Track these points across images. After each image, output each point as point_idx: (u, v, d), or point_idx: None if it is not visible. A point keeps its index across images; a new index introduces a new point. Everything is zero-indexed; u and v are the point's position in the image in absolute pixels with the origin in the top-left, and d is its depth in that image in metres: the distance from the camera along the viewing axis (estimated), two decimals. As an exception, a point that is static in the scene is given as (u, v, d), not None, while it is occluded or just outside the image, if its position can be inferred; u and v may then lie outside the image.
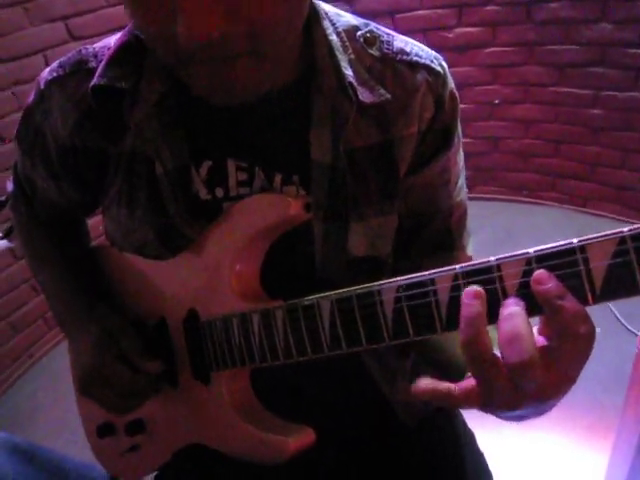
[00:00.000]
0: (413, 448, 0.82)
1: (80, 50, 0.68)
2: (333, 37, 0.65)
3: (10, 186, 0.86)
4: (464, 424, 0.90)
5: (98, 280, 0.83)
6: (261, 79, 0.56)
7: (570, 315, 0.44)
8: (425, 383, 0.50)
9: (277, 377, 0.71)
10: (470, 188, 0.80)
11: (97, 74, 0.64)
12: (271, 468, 0.67)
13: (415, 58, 0.68)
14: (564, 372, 0.45)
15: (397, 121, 0.67)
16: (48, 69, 0.70)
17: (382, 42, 0.68)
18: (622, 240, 0.44)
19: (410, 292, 0.53)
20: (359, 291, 0.56)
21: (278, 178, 0.68)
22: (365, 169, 0.68)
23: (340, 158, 0.66)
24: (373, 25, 0.69)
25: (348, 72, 0.65)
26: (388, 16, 2.67)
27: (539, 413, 0.50)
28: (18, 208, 0.86)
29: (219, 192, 0.69)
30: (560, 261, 0.46)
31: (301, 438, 0.67)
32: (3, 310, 2.14)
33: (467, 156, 0.78)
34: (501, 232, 2.60)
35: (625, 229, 0.44)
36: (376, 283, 0.55)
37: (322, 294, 0.59)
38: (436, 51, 0.71)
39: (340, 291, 0.58)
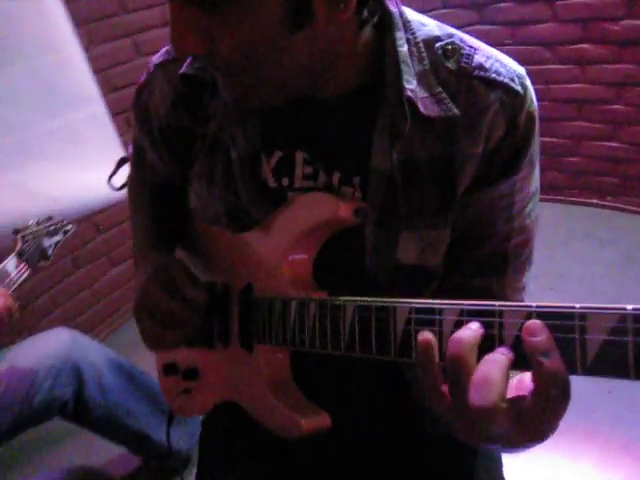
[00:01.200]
0: (431, 453, 0.84)
1: None
2: (403, 48, 0.66)
3: (130, 148, 0.98)
4: None
5: (184, 239, 0.93)
6: (269, 93, 0.65)
7: (547, 374, 0.45)
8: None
9: (320, 361, 0.76)
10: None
11: (187, 63, 0.71)
12: (292, 443, 0.73)
13: (493, 75, 0.67)
14: (531, 427, 0.46)
15: (462, 138, 0.67)
16: (158, 54, 0.79)
17: (462, 55, 0.67)
18: (623, 318, 0.43)
19: (419, 316, 0.55)
20: (379, 304, 0.59)
21: (336, 177, 0.72)
22: (423, 181, 0.69)
23: (395, 168, 0.68)
24: (458, 37, 0.69)
25: (410, 86, 0.65)
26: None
27: (516, 451, 0.51)
28: (132, 167, 0.99)
29: (285, 181, 0.75)
30: (558, 322, 0.47)
31: (316, 422, 0.72)
32: (87, 279, 2.42)
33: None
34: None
35: (629, 306, 0.44)
36: (395, 300, 0.58)
37: (351, 298, 0.63)
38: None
39: (366, 299, 0.61)
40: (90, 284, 2.43)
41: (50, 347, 1.39)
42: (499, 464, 0.89)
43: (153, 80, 0.80)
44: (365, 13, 0.62)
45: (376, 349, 0.60)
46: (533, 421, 0.46)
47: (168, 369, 0.95)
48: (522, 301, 0.79)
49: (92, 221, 2.30)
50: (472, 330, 0.50)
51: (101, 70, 2.02)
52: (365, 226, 0.71)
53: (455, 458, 0.85)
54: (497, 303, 0.51)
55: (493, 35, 2.55)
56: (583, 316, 0.45)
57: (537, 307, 0.48)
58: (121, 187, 1.16)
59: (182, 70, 0.72)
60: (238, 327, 0.80)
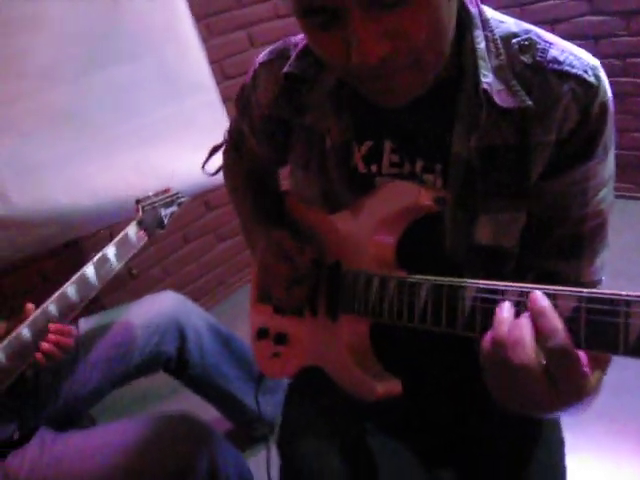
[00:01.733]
0: (493, 430, 0.89)
1: (286, 40, 0.84)
2: (481, 45, 0.71)
3: (225, 135, 1.09)
4: (558, 430, 0.93)
5: (280, 216, 1.03)
6: (419, 85, 0.68)
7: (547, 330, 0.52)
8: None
9: (396, 335, 0.83)
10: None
11: (289, 63, 0.80)
12: (368, 405, 0.81)
13: (566, 68, 0.70)
14: (559, 387, 0.53)
15: (536, 128, 0.71)
16: (262, 54, 0.88)
17: (537, 49, 0.71)
18: None
19: (483, 295, 0.61)
20: (450, 283, 0.66)
21: (420, 165, 0.79)
22: (499, 167, 0.74)
23: (473, 155, 0.73)
24: (534, 33, 0.73)
25: (486, 79, 0.70)
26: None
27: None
28: (228, 152, 1.11)
29: (373, 168, 0.82)
30: (606, 307, 0.51)
31: (389, 388, 0.79)
32: (195, 254, 2.61)
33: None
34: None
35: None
36: (464, 280, 0.64)
37: (426, 277, 0.70)
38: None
39: (438, 278, 0.68)
40: (197, 258, 2.62)
41: (159, 307, 1.55)
42: (561, 450, 0.92)
43: (258, 77, 0.90)
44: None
45: (445, 323, 0.66)
46: (559, 380, 0.52)
47: (260, 334, 1.05)
48: (600, 281, 0.82)
49: (202, 199, 2.50)
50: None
51: (217, 60, 2.18)
52: (445, 210, 0.77)
53: (517, 437, 0.89)
54: (552, 287, 0.56)
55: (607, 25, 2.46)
56: (628, 303, 0.50)
57: (588, 293, 0.53)
58: (215, 172, 1.27)
59: (285, 69, 0.81)
60: (326, 298, 0.89)
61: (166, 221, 1.47)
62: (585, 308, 0.53)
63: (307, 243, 0.90)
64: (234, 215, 1.13)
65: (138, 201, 1.43)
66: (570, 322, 0.53)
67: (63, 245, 2.05)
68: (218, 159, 1.19)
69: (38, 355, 1.11)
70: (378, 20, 0.59)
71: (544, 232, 0.78)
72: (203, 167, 1.19)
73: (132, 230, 1.37)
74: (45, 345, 1.11)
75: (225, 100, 1.97)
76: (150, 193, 1.46)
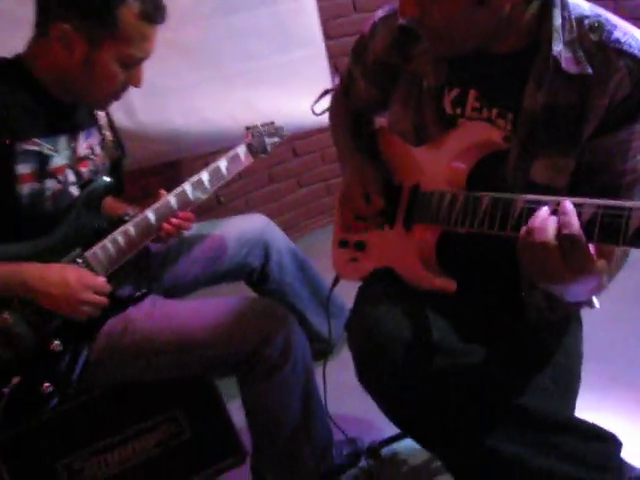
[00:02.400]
0: (527, 337, 1.09)
1: None
2: (557, 22, 0.90)
3: (336, 80, 1.33)
4: (579, 340, 1.14)
5: (370, 152, 1.25)
6: (453, 47, 0.95)
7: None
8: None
9: (459, 247, 1.05)
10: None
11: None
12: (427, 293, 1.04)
13: (625, 47, 0.88)
14: (569, 262, 0.74)
15: (593, 92, 0.90)
16: (381, 10, 1.10)
17: (604, 30, 0.89)
18: None
19: (529, 205, 0.83)
20: (505, 196, 0.87)
21: (495, 112, 0.99)
22: (559, 121, 0.93)
23: (539, 109, 0.93)
24: (604, 17, 0.91)
25: (557, 49, 0.89)
26: None
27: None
28: (336, 95, 1.35)
29: (458, 110, 1.03)
30: (614, 212, 0.72)
31: (445, 284, 1.02)
32: (277, 194, 2.91)
33: None
34: None
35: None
36: (516, 194, 0.86)
37: (487, 192, 0.91)
38: None
39: (498, 194, 0.89)
40: (278, 198, 2.89)
41: (251, 226, 1.79)
42: (578, 359, 1.13)
43: (376, 28, 1.13)
44: None
45: (498, 225, 0.88)
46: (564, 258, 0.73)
47: (341, 243, 1.29)
48: None
49: (290, 145, 2.76)
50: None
51: (324, 20, 2.39)
52: (510, 151, 0.97)
53: (548, 329, 1.10)
54: (579, 198, 0.77)
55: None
56: (630, 208, 0.70)
57: (604, 202, 0.74)
58: (321, 113, 1.49)
59: (399, 22, 1.02)
60: (404, 212, 1.11)
61: (269, 148, 1.71)
62: (601, 213, 0.73)
63: (394, 172, 1.14)
64: (316, 164, 1.37)
65: (248, 128, 1.67)
66: (589, 223, 0.74)
67: (165, 165, 2.36)
68: (324, 103, 1.42)
69: (161, 232, 1.38)
70: None
71: (589, 178, 0.96)
72: (312, 107, 1.43)
73: (242, 150, 1.61)
74: (169, 224, 1.39)
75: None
76: (258, 123, 1.70)
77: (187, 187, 1.46)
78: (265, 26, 1.98)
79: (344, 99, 1.33)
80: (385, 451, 1.67)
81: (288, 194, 2.92)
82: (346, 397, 1.39)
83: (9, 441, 1.37)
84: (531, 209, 0.83)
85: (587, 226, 0.74)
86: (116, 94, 1.31)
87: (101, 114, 1.45)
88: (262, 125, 1.70)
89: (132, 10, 1.17)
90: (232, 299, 1.46)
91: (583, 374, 1.66)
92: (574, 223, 0.73)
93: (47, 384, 1.24)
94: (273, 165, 2.79)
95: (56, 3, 1.18)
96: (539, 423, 0.93)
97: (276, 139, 1.74)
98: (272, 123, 1.74)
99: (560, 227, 0.75)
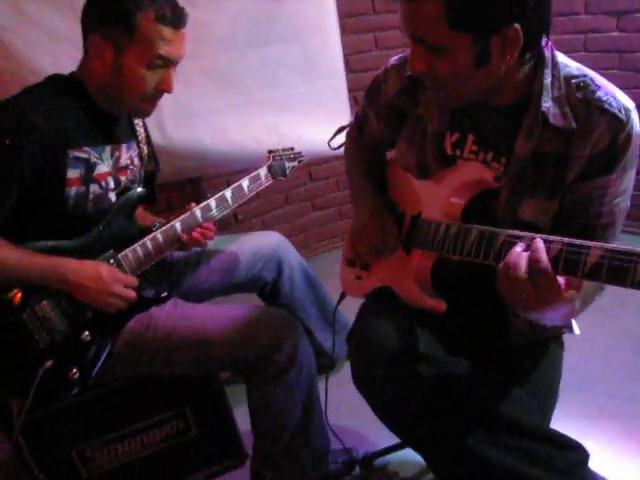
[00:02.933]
0: (509, 355, 1.21)
1: None
2: (547, 80, 1.03)
3: (351, 119, 1.48)
4: (559, 360, 1.26)
5: (380, 184, 1.39)
6: (458, 99, 1.08)
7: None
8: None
9: (452, 273, 1.18)
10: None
11: None
12: (419, 312, 1.16)
13: (606, 106, 1.00)
14: (540, 292, 0.86)
15: (576, 143, 1.03)
16: (394, 57, 1.24)
17: (588, 90, 1.02)
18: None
19: (509, 239, 0.96)
20: (491, 230, 1.00)
21: (490, 155, 1.12)
22: (545, 166, 1.06)
23: (529, 155, 1.06)
24: (589, 77, 1.03)
25: (545, 104, 1.02)
26: None
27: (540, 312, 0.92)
28: (351, 133, 1.49)
29: (457, 152, 1.16)
30: (574, 249, 0.85)
31: (436, 304, 1.15)
32: (292, 215, 3.06)
33: None
34: None
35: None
36: (500, 229, 0.98)
37: (477, 226, 1.04)
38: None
39: (485, 227, 1.02)
40: (292, 219, 3.05)
41: (266, 241, 1.92)
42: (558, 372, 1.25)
43: (388, 74, 1.27)
44: (527, 56, 1.01)
45: (482, 255, 1.01)
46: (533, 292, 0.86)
47: (349, 262, 1.43)
48: None
49: (307, 170, 2.91)
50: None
51: (346, 55, 2.55)
52: (502, 191, 1.10)
53: (529, 349, 1.22)
54: (549, 236, 0.89)
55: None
56: (589, 247, 0.83)
57: (568, 240, 0.86)
58: (337, 148, 1.62)
59: (409, 73, 1.15)
60: (406, 237, 1.24)
61: (288, 172, 1.86)
62: (565, 250, 0.86)
63: (399, 202, 1.27)
64: (330, 189, 1.50)
65: (270, 151, 1.83)
66: (555, 257, 0.87)
67: (189, 180, 2.51)
68: (340, 138, 1.57)
69: (186, 238, 1.52)
70: (422, 51, 0.99)
71: (569, 219, 1.09)
72: (329, 142, 1.57)
73: (263, 171, 1.77)
74: (195, 233, 1.53)
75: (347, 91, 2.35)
76: (279, 147, 1.85)
77: (212, 202, 1.61)
78: (293, 58, 2.15)
79: (358, 135, 1.46)
80: (378, 462, 1.77)
81: (302, 216, 3.07)
82: (345, 410, 1.47)
83: (32, 425, 1.49)
84: (511, 242, 0.95)
85: (554, 260, 0.86)
86: (149, 99, 1.43)
87: (140, 130, 1.61)
88: (283, 150, 1.86)
89: (149, 15, 1.31)
90: (247, 306, 1.59)
91: (572, 404, 1.79)
92: (543, 259, 0.86)
93: (74, 370, 1.37)
94: (290, 188, 2.95)
95: (87, 18, 1.34)
96: (516, 430, 1.04)
97: (295, 163, 1.89)
98: (292, 148, 1.89)
99: (531, 262, 0.87)
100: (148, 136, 1.68)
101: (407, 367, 1.07)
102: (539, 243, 0.88)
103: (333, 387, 1.53)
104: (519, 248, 0.91)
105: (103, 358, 1.42)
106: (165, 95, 1.47)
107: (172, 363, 1.49)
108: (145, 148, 1.63)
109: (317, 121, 1.75)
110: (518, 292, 0.89)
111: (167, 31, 1.34)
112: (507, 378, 1.14)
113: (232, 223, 2.79)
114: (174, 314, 1.51)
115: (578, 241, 0.85)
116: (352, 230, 1.39)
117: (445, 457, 1.08)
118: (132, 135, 1.58)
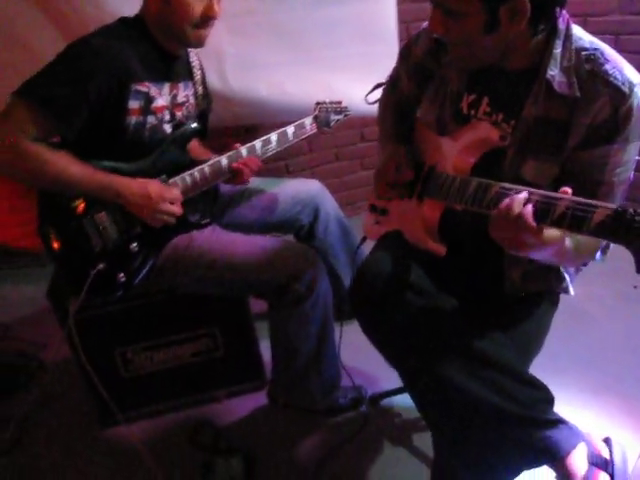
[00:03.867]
0: (500, 303, 1.32)
1: None
2: (557, 50, 1.11)
3: (387, 76, 1.59)
4: (548, 316, 1.37)
5: (407, 138, 1.50)
6: (471, 62, 1.18)
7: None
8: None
9: (457, 223, 1.30)
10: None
11: None
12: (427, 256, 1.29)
13: (611, 79, 1.07)
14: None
15: (578, 111, 1.10)
16: (425, 23, 1.34)
17: (596, 63, 1.09)
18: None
19: (503, 190, 1.07)
20: (488, 181, 1.12)
21: (501, 116, 1.22)
22: (548, 130, 1.15)
23: (534, 119, 1.15)
24: (600, 51, 1.10)
25: (552, 72, 1.11)
26: None
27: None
28: (387, 88, 1.61)
29: (472, 112, 1.27)
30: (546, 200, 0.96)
31: (437, 247, 1.28)
32: (340, 171, 3.19)
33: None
34: None
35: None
36: (497, 182, 1.10)
37: (478, 178, 1.16)
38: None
39: (485, 180, 1.14)
40: (340, 175, 3.19)
41: (308, 187, 2.07)
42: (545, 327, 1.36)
43: (420, 36, 1.38)
44: (541, 27, 1.10)
45: (478, 204, 1.13)
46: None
47: (372, 208, 1.56)
48: None
49: (360, 130, 3.06)
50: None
51: (405, 21, 2.63)
52: (508, 150, 1.20)
53: (520, 301, 1.33)
54: (529, 189, 1.00)
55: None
56: (557, 198, 0.94)
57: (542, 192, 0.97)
58: (373, 102, 1.74)
59: (435, 35, 1.26)
60: (421, 186, 1.37)
61: (332, 124, 2.01)
62: (540, 201, 0.97)
63: (420, 154, 1.40)
64: None
65: (318, 103, 1.97)
66: (534, 206, 0.97)
67: (245, 129, 2.68)
68: (377, 94, 1.69)
69: (235, 165, 1.71)
70: (440, 14, 1.10)
71: (570, 186, 1.12)
72: (366, 97, 1.70)
73: (308, 120, 1.92)
74: (238, 164, 1.71)
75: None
76: (327, 100, 2.00)
77: (257, 143, 1.78)
78: (350, 21, 2.26)
79: (391, 92, 1.58)
80: (384, 402, 1.92)
81: (350, 173, 3.20)
82: (360, 353, 1.56)
83: (84, 322, 1.70)
84: (502, 194, 1.07)
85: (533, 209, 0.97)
86: (200, 25, 1.57)
87: (197, 72, 1.78)
88: (330, 102, 2.00)
89: None
90: (276, 239, 1.78)
91: (580, 377, 1.95)
92: (516, 208, 0.98)
93: (121, 275, 1.58)
94: (341, 145, 3.08)
95: None
96: (485, 362, 1.16)
97: (340, 117, 2.03)
98: (339, 102, 2.03)
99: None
100: (204, 78, 1.85)
101: (398, 294, 1.21)
102: (522, 194, 0.99)
103: (351, 332, 1.59)
104: (508, 199, 1.01)
105: (147, 268, 1.63)
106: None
107: (204, 281, 1.68)
108: (200, 88, 1.79)
109: (368, 82, 1.84)
110: (507, 234, 1.00)
111: None
112: (492, 321, 1.26)
113: (283, 174, 2.96)
114: (211, 238, 1.69)
115: (554, 194, 0.96)
116: (375, 171, 1.50)
117: (425, 385, 1.21)
118: (189, 75, 1.76)
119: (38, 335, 2.40)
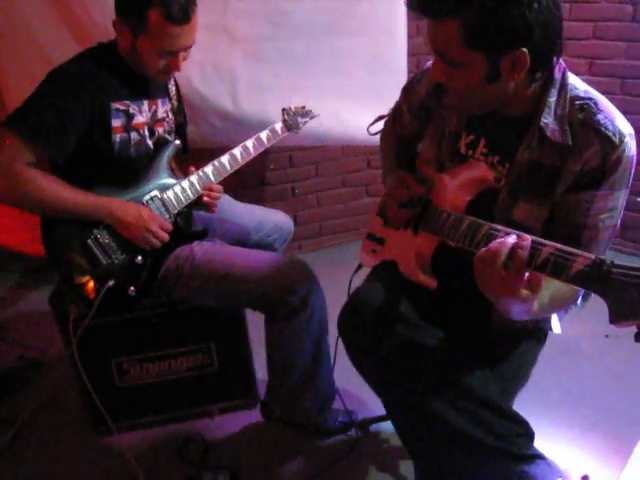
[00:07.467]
0: (486, 339, 1.35)
1: None
2: (552, 99, 1.16)
3: (390, 110, 1.65)
4: (533, 353, 1.39)
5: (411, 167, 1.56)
6: (471, 108, 1.24)
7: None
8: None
9: (450, 259, 1.34)
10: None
11: None
12: (418, 289, 1.33)
13: (602, 129, 1.11)
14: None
15: (569, 159, 1.14)
16: (430, 61, 1.38)
17: (589, 112, 1.13)
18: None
19: (492, 231, 1.11)
20: (479, 222, 1.16)
21: (496, 159, 1.27)
22: (540, 175, 1.19)
23: (527, 163, 1.19)
24: (594, 101, 1.14)
25: (545, 120, 1.16)
26: None
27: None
28: (389, 121, 1.66)
29: (470, 152, 1.32)
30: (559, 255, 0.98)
31: (428, 281, 1.32)
32: (345, 196, 3.23)
33: None
34: None
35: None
36: (486, 222, 1.14)
37: (470, 217, 1.20)
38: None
39: (476, 219, 1.17)
40: (346, 201, 3.24)
41: (279, 218, 2.16)
42: (530, 363, 1.39)
43: (423, 75, 1.43)
44: (537, 76, 1.14)
45: (469, 241, 1.16)
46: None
47: (369, 236, 1.61)
48: None
49: (366, 157, 3.11)
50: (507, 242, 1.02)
51: (416, 54, 2.70)
52: (501, 192, 1.25)
53: (506, 338, 1.36)
54: (518, 232, 1.03)
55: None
56: (543, 244, 0.97)
57: (534, 239, 1.00)
58: (375, 133, 1.78)
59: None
60: (416, 219, 1.41)
61: (300, 126, 2.12)
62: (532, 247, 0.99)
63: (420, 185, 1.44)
64: None
65: (284, 109, 2.08)
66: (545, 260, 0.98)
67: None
68: (379, 125, 1.74)
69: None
70: (442, 64, 1.14)
71: (556, 227, 1.20)
72: (368, 128, 1.75)
73: (278, 125, 2.04)
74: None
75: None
76: (292, 106, 2.11)
77: (236, 151, 1.90)
78: (361, 52, 2.33)
79: (393, 126, 1.64)
80: (373, 428, 1.95)
81: (355, 199, 3.25)
82: (353, 375, 1.60)
83: (83, 330, 1.73)
84: (491, 235, 1.11)
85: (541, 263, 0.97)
86: (163, 73, 1.68)
87: (172, 87, 1.88)
88: (295, 107, 2.11)
89: (158, 12, 1.52)
90: (274, 253, 1.87)
91: (570, 414, 1.99)
92: (503, 253, 0.99)
93: (132, 288, 1.66)
94: (347, 172, 3.14)
95: (115, 4, 1.60)
96: (468, 395, 1.19)
97: (307, 119, 2.15)
98: (303, 107, 2.14)
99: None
100: (178, 92, 1.95)
101: (386, 324, 1.25)
102: (509, 238, 1.01)
103: (344, 355, 1.55)
104: (497, 241, 1.02)
105: (155, 279, 1.71)
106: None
107: (201, 291, 1.73)
108: (175, 103, 1.90)
109: (376, 112, 1.89)
110: (489, 278, 1.01)
111: (173, 29, 1.57)
112: (478, 355, 1.29)
113: (289, 197, 3.03)
114: (211, 250, 1.77)
115: (541, 240, 0.98)
116: (383, 196, 1.54)
117: (407, 414, 1.25)
118: (165, 91, 1.86)
119: (38, 339, 2.45)
